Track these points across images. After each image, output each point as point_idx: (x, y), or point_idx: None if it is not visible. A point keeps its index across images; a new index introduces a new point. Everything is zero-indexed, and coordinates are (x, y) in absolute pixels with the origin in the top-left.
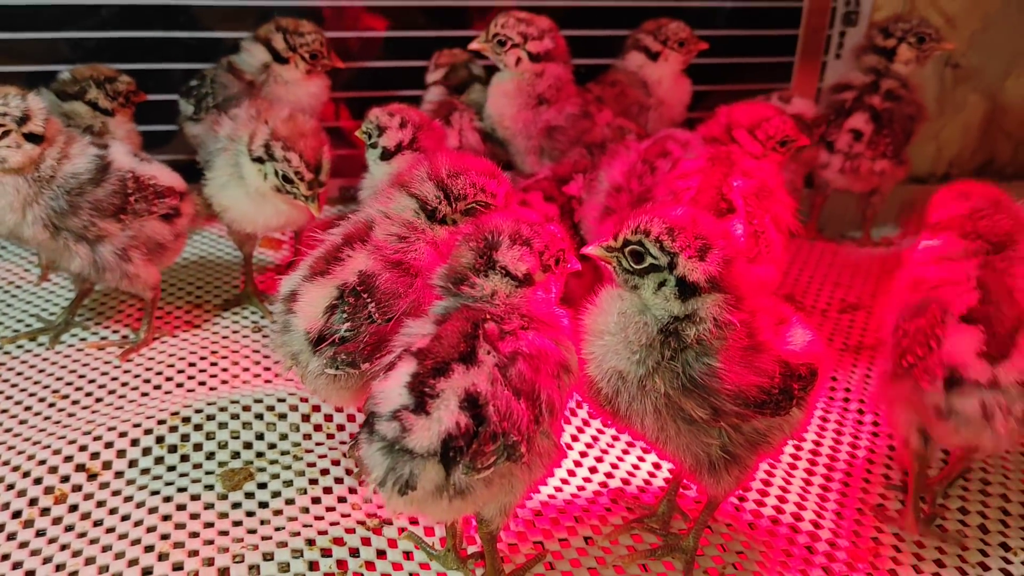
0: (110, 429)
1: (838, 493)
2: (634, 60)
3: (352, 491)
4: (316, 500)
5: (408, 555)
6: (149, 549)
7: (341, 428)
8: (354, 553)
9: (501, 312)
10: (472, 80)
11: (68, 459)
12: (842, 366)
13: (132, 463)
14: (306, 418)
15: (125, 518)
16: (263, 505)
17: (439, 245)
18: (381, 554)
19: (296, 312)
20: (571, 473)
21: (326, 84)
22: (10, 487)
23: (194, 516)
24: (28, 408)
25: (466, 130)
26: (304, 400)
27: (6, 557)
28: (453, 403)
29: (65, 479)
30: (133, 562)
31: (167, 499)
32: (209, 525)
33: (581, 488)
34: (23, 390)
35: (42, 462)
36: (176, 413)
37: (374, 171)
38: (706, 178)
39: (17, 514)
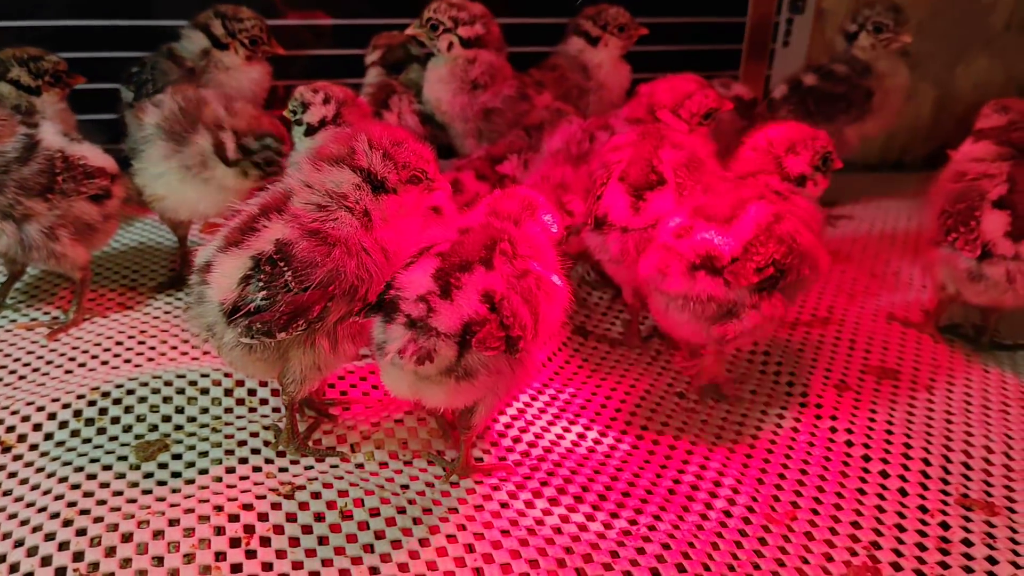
0: (28, 404)
1: (760, 460)
2: (574, 45)
3: (268, 461)
4: (230, 470)
5: (319, 516)
6: (55, 516)
7: (264, 402)
8: (263, 518)
9: (515, 237)
10: (410, 60)
11: None
12: (775, 342)
13: (48, 436)
14: (229, 392)
15: (35, 487)
16: (175, 475)
17: (376, 216)
18: (291, 517)
19: (210, 283)
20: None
21: (267, 71)
22: None
23: (103, 485)
24: None
25: (405, 113)
26: (228, 375)
27: None
28: (475, 295)
29: None
30: (37, 528)
31: (78, 469)
32: (118, 493)
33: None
34: None
35: None
36: (96, 388)
37: (299, 147)
38: (636, 150)
39: None
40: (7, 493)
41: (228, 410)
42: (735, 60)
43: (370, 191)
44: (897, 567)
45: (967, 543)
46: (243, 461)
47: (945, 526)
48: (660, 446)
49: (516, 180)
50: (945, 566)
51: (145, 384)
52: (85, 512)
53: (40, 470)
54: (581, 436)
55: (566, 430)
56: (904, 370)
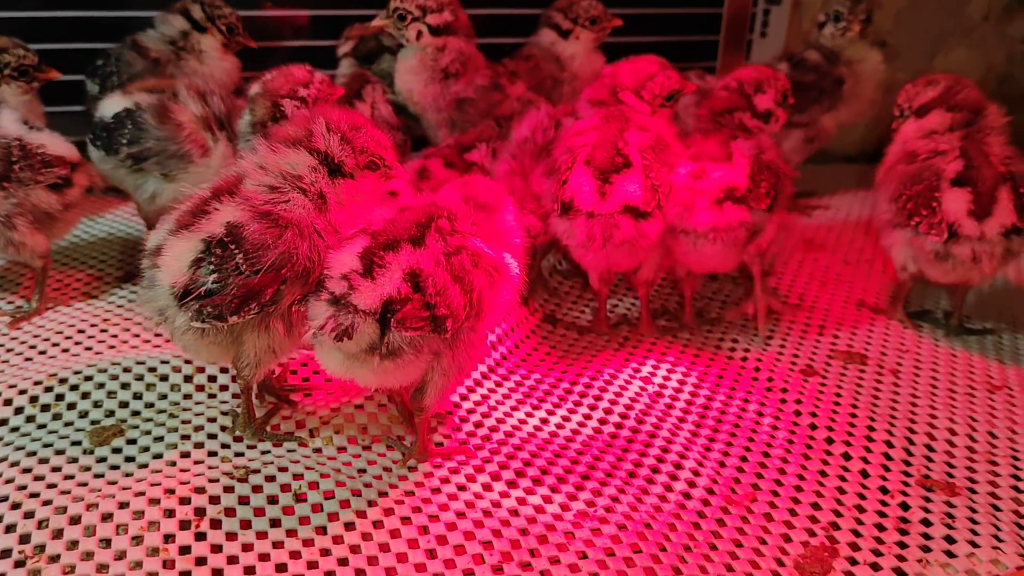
0: None
1: (723, 444)
2: (546, 37)
3: (224, 446)
4: (185, 455)
5: (273, 498)
6: (3, 499)
7: (224, 388)
8: (214, 500)
9: (456, 213)
10: (382, 50)
11: None
12: (745, 328)
13: (2, 422)
14: (188, 379)
15: None
16: (129, 459)
17: (331, 199)
18: (243, 500)
19: (160, 266)
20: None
21: (238, 64)
22: None
23: (55, 469)
24: None
25: (379, 103)
26: (188, 362)
27: None
28: (397, 274)
29: None
30: None
31: (30, 454)
32: (69, 477)
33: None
34: None
35: None
36: (54, 375)
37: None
38: (601, 133)
39: None
40: None
41: (187, 396)
42: (712, 51)
43: (326, 174)
44: (855, 547)
45: (926, 523)
46: (199, 446)
47: (905, 507)
48: (623, 430)
49: (484, 168)
50: (903, 546)
51: (103, 371)
52: (34, 495)
53: None
54: (544, 421)
55: (529, 415)
56: (871, 355)
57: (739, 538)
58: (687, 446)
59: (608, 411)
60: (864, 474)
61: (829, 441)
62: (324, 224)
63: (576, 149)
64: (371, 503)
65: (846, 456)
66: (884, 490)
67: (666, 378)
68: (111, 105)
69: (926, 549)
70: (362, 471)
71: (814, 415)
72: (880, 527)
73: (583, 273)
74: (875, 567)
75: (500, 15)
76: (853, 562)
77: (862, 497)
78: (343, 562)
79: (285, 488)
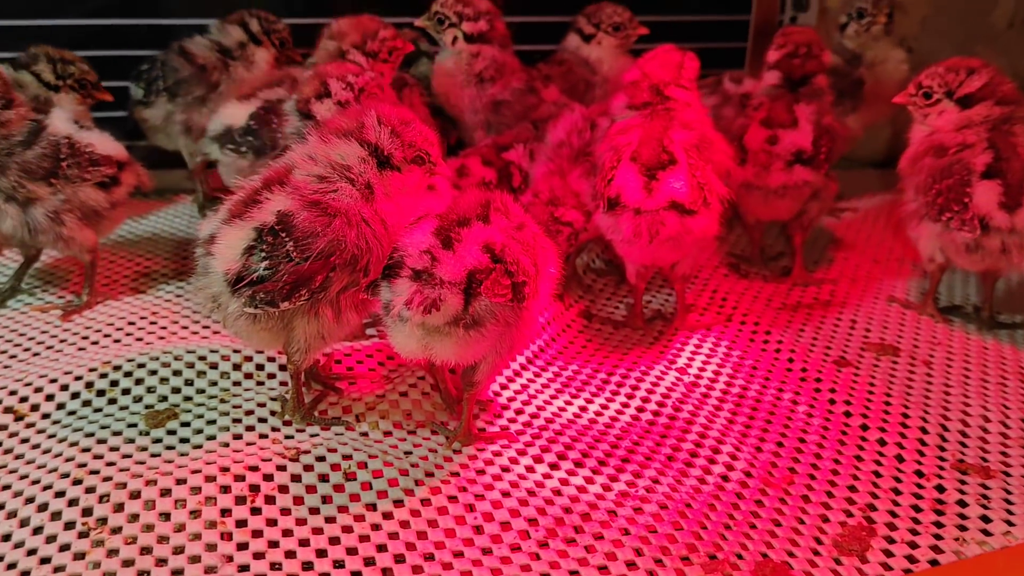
0: (41, 376)
1: (759, 430)
2: (571, 41)
3: (274, 429)
4: (237, 437)
5: (324, 477)
6: (65, 475)
7: (272, 376)
8: (268, 478)
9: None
10: (419, 55)
11: None
12: (777, 322)
13: (60, 406)
14: (237, 367)
15: (46, 451)
16: (184, 440)
17: (379, 190)
18: (295, 478)
19: (214, 254)
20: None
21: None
22: None
23: (113, 449)
24: None
25: (416, 105)
26: (237, 351)
27: None
28: (476, 246)
29: None
30: (47, 487)
31: (89, 435)
32: (127, 456)
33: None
34: None
35: None
36: (108, 362)
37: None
38: (646, 131)
39: None
40: (19, 456)
41: (236, 383)
42: (740, 58)
43: (375, 165)
44: (892, 527)
45: (962, 504)
46: (250, 429)
47: (941, 489)
48: (660, 417)
49: (521, 168)
50: (939, 525)
51: (156, 359)
52: (95, 472)
53: (52, 436)
54: (583, 409)
55: (568, 403)
56: (904, 347)
57: (778, 518)
58: (724, 432)
59: (645, 399)
60: (900, 459)
61: (864, 428)
62: (371, 213)
63: (621, 147)
64: (418, 482)
65: (881, 442)
66: (920, 473)
67: (701, 368)
68: (234, 113)
69: (963, 528)
70: (408, 453)
71: (848, 403)
72: (916, 508)
73: (617, 270)
74: (912, 545)
75: (539, 23)
76: (891, 540)
77: (898, 480)
78: (393, 536)
79: (335, 467)
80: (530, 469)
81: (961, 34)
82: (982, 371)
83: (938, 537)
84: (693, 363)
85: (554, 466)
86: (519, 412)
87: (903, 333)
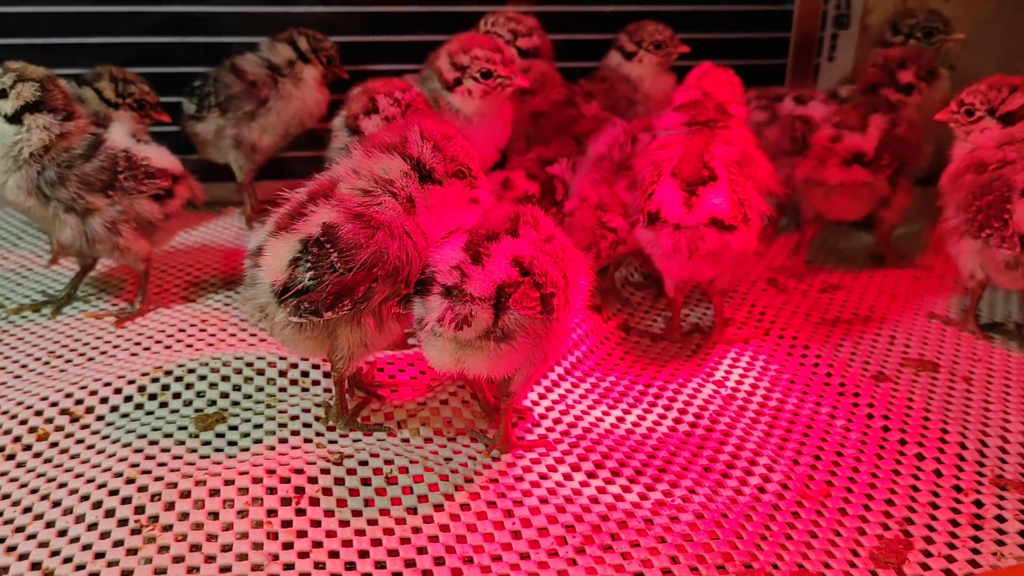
0: (95, 380)
1: (796, 443)
2: (613, 59)
3: (318, 434)
4: (283, 440)
5: (366, 480)
6: (118, 475)
7: (316, 383)
8: (312, 481)
9: (538, 214)
10: None
11: (54, 405)
12: (816, 337)
13: (113, 408)
14: (283, 374)
15: (100, 452)
16: (231, 443)
17: (420, 203)
18: (339, 481)
19: (261, 266)
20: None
21: (328, 96)
22: None
23: (164, 450)
24: (24, 366)
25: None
26: (283, 358)
27: None
28: (505, 260)
29: (49, 421)
30: (102, 485)
31: (141, 436)
32: (177, 457)
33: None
34: (21, 351)
35: (29, 407)
36: (159, 367)
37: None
38: (687, 147)
39: (0, 449)
40: (75, 456)
41: (282, 389)
42: (780, 75)
43: (417, 179)
44: (929, 540)
45: (1000, 519)
46: (295, 433)
47: (979, 504)
48: (697, 428)
49: (564, 181)
50: (977, 540)
51: (205, 365)
52: (147, 472)
53: (105, 437)
54: (620, 419)
55: (605, 414)
56: (943, 363)
57: (814, 530)
58: (761, 444)
59: (682, 411)
60: (938, 473)
61: (902, 443)
62: (413, 226)
63: (662, 162)
64: (458, 487)
65: (919, 456)
66: (958, 488)
67: (739, 382)
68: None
69: (1000, 543)
70: (448, 459)
71: (886, 418)
72: (954, 522)
73: (656, 284)
74: (950, 559)
75: (580, 40)
76: (928, 554)
77: (936, 495)
78: (433, 539)
79: (377, 472)
80: (567, 477)
81: (1003, 52)
82: (1023, 388)
83: (976, 551)
84: (731, 376)
85: (591, 474)
86: (557, 421)
87: (943, 349)
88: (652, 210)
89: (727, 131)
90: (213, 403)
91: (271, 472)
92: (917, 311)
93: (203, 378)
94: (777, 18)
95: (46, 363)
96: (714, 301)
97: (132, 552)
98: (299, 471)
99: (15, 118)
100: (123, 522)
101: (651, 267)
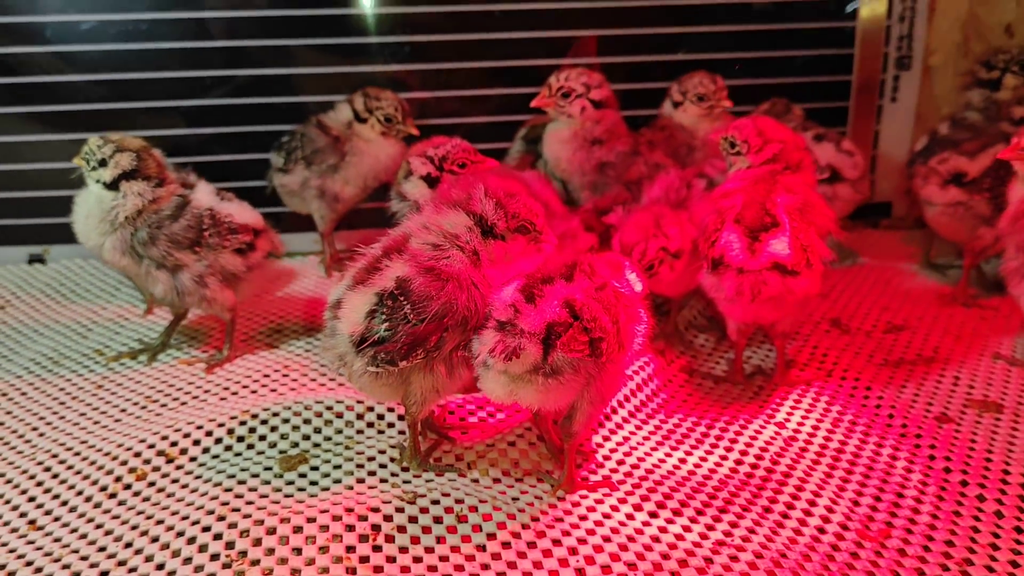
0: (188, 423)
1: (857, 484)
2: (666, 107)
3: (393, 475)
4: (360, 480)
5: (438, 519)
6: (210, 512)
7: (391, 426)
8: (388, 519)
9: (594, 263)
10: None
11: (151, 447)
12: (879, 378)
13: (204, 450)
14: (360, 417)
15: (192, 490)
16: (313, 483)
17: (484, 256)
18: (412, 519)
19: (340, 318)
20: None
21: (402, 148)
22: (99, 468)
23: (251, 489)
24: (123, 410)
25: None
26: (360, 402)
27: (91, 521)
28: (556, 301)
29: (147, 462)
30: (195, 522)
31: (230, 476)
32: (263, 496)
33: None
34: (120, 396)
35: (128, 448)
36: (247, 411)
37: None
38: (750, 195)
39: (103, 488)
40: (170, 495)
41: (359, 432)
42: (843, 117)
43: (480, 234)
44: None
45: None
46: (371, 473)
47: None
48: (758, 469)
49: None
50: None
51: (288, 408)
52: (236, 510)
53: (197, 477)
54: (682, 460)
55: (668, 455)
56: (1008, 404)
57: (873, 570)
58: (821, 486)
59: (744, 452)
60: (999, 515)
61: (964, 484)
62: (480, 278)
63: (725, 210)
64: (525, 526)
65: (980, 498)
66: (1019, 530)
67: (800, 423)
68: None
69: None
70: (515, 499)
71: (948, 459)
72: (1014, 563)
73: (718, 327)
74: None
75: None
76: None
77: (996, 536)
78: (501, 575)
79: (448, 510)
80: (630, 516)
81: None
82: None
83: None
84: (792, 418)
85: (653, 514)
86: (620, 463)
87: (1007, 390)
88: (716, 256)
89: (788, 178)
90: (296, 445)
91: (349, 510)
92: (982, 352)
93: (286, 421)
94: (839, 62)
95: (143, 407)
96: (776, 343)
97: None
98: (375, 509)
99: (113, 185)
100: (215, 556)
101: (714, 311)
